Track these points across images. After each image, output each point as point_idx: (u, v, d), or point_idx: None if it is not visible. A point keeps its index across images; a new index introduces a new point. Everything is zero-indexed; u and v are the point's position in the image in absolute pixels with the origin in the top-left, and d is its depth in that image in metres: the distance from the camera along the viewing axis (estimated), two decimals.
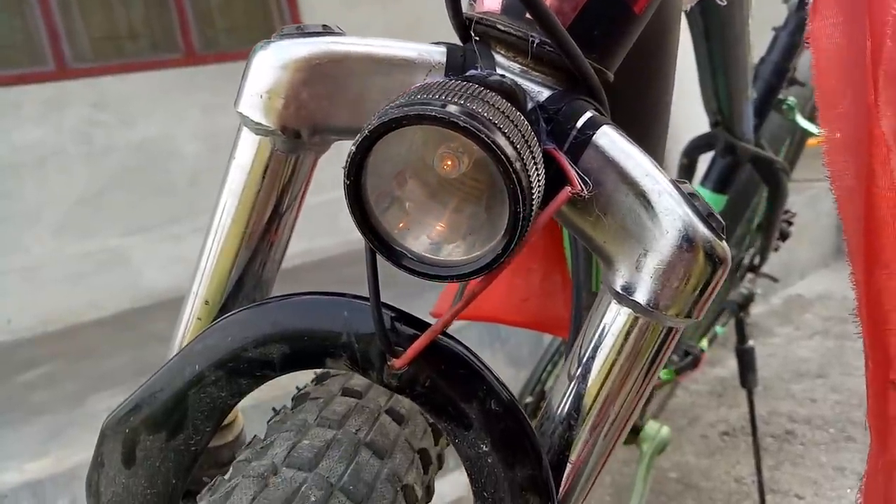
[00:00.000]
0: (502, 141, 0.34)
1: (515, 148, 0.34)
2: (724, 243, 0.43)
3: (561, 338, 1.36)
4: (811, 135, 1.62)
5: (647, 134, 0.60)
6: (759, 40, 1.20)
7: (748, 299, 1.70)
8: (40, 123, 3.20)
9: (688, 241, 0.42)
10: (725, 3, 0.75)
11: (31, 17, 3.23)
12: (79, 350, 2.88)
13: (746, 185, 1.44)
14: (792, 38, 1.42)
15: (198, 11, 3.63)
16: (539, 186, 0.37)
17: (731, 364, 2.50)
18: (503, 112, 0.36)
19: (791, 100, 1.49)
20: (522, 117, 0.38)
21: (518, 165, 0.34)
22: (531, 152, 0.36)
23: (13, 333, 3.15)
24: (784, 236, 1.74)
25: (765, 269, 1.74)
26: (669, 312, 0.43)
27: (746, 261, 1.68)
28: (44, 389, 2.46)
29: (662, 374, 1.39)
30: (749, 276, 1.72)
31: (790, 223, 1.73)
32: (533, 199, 0.35)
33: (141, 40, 3.60)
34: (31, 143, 3.18)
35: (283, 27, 0.48)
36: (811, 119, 1.60)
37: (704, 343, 1.54)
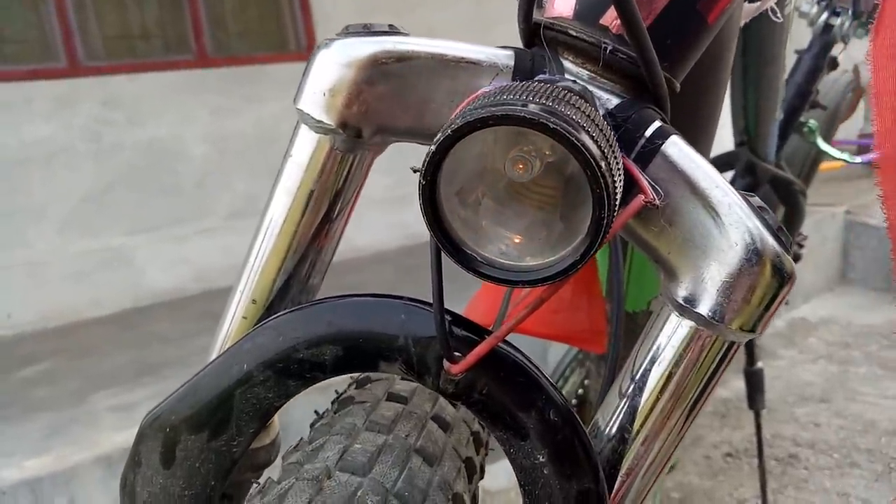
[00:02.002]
0: (589, 143, 0.33)
1: (601, 150, 0.34)
2: (791, 259, 0.43)
3: (583, 350, 1.35)
4: (828, 157, 1.62)
5: (697, 147, 0.60)
6: None
7: None
8: (50, 120, 3.19)
9: (756, 255, 0.41)
10: (781, 19, 0.74)
11: (45, 14, 3.23)
12: (80, 348, 2.86)
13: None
14: (815, 61, 1.42)
15: (211, 14, 3.63)
16: (619, 191, 0.36)
17: (735, 385, 2.49)
18: (587, 114, 0.35)
19: (812, 122, 1.49)
20: (604, 121, 0.38)
21: (604, 167, 0.33)
22: (615, 155, 0.36)
23: (14, 328, 3.13)
24: (796, 259, 1.73)
25: None
26: (733, 326, 0.43)
27: None
28: (44, 386, 2.45)
29: None
30: None
31: (801, 245, 1.73)
32: (616, 204, 0.35)
33: (153, 41, 3.60)
34: (41, 139, 3.17)
35: (348, 25, 0.47)
36: (829, 142, 1.60)
37: None
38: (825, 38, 1.39)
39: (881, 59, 0.48)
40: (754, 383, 1.70)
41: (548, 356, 1.91)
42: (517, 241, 0.39)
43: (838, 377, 2.69)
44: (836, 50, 1.43)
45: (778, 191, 1.37)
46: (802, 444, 2.25)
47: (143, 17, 3.56)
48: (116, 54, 3.46)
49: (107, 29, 3.45)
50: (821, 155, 1.62)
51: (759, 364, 1.70)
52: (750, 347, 1.69)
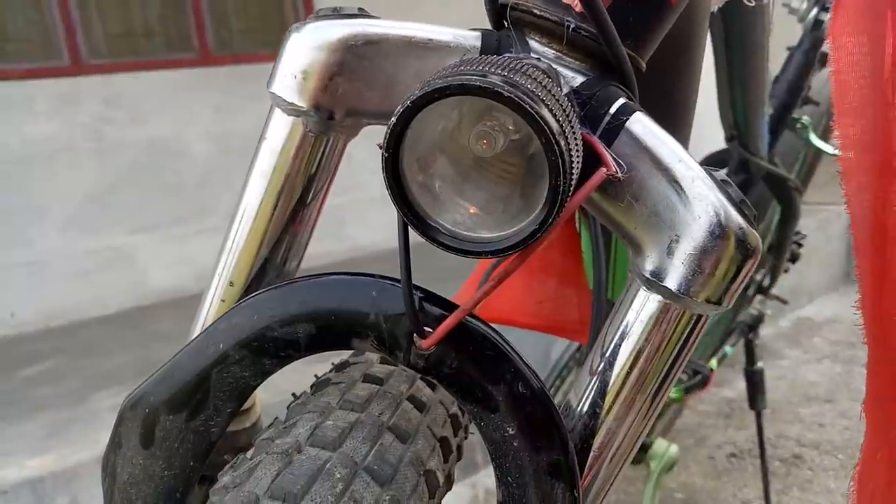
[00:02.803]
0: (545, 112, 0.34)
1: (558, 121, 0.34)
2: (755, 232, 0.43)
3: (574, 342, 1.36)
4: (824, 154, 1.62)
5: (672, 131, 0.60)
6: (773, 60, 1.20)
7: (758, 320, 1.69)
8: (52, 118, 3.20)
9: (720, 227, 0.42)
10: (753, 3, 0.75)
11: (47, 11, 3.24)
12: (82, 347, 2.87)
13: (758, 205, 1.44)
14: (806, 56, 1.42)
15: (214, 13, 3.64)
16: (577, 163, 0.37)
17: (739, 385, 2.48)
18: (545, 87, 0.36)
19: (805, 119, 1.49)
20: (563, 94, 0.38)
21: (561, 139, 0.34)
22: (572, 128, 0.36)
23: (16, 328, 3.14)
24: (794, 258, 1.73)
25: (774, 290, 1.73)
26: (700, 298, 0.43)
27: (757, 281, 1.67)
28: (46, 385, 2.46)
29: (671, 392, 1.37)
30: (759, 297, 1.71)
31: (800, 245, 1.73)
32: (572, 174, 0.35)
33: (156, 39, 3.61)
34: (43, 138, 3.18)
35: (319, 9, 0.48)
36: (825, 138, 1.60)
37: (714, 363, 1.53)
38: (815, 34, 1.39)
39: (841, 36, 0.48)
40: (755, 383, 1.70)
41: (551, 354, 1.92)
42: (473, 212, 0.40)
43: (843, 377, 2.68)
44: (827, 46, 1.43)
45: (772, 187, 1.37)
46: (807, 444, 2.25)
47: (145, 15, 3.57)
48: (119, 52, 3.47)
49: (109, 27, 3.46)
50: (819, 152, 1.62)
51: (760, 364, 1.70)
52: (750, 347, 1.68)
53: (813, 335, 3.13)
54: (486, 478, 2.04)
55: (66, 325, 3.19)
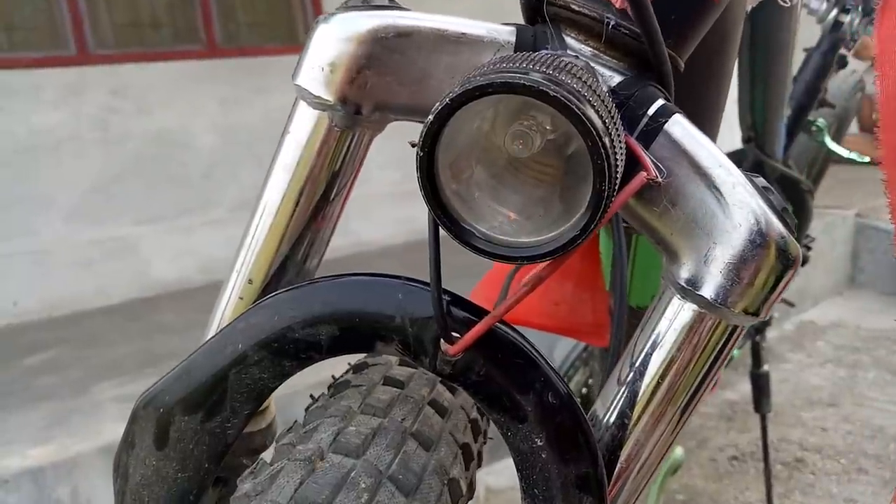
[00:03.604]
0: (591, 113, 0.32)
1: (603, 121, 0.33)
2: (796, 241, 0.42)
3: (585, 343, 1.35)
4: (836, 157, 1.61)
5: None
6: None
7: (765, 323, 1.68)
8: (59, 107, 3.19)
9: (761, 236, 0.40)
10: (789, 4, 0.73)
11: (55, 1, 3.23)
12: (84, 337, 2.87)
13: None
14: (825, 58, 1.41)
15: (221, 5, 3.63)
16: (621, 166, 0.35)
17: (742, 388, 2.48)
18: (590, 85, 0.34)
19: (821, 121, 1.47)
20: (607, 92, 0.37)
21: (606, 138, 0.32)
22: (617, 129, 0.35)
23: (19, 316, 3.13)
24: (803, 261, 1.72)
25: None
26: (737, 309, 0.42)
27: None
28: (48, 375, 2.45)
29: None
30: None
31: (809, 248, 1.72)
32: (617, 178, 0.34)
33: (163, 30, 3.60)
34: (49, 127, 3.17)
35: (347, 0, 0.46)
36: (838, 141, 1.59)
37: None
38: (834, 36, 1.37)
39: (886, 41, 0.47)
40: (760, 386, 1.69)
41: (554, 353, 1.91)
42: (513, 217, 0.38)
43: (846, 381, 2.67)
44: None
45: (785, 190, 1.36)
46: (809, 448, 2.24)
47: (153, 6, 3.56)
48: (126, 43, 3.46)
49: (117, 17, 3.44)
50: (830, 155, 1.61)
51: (766, 367, 1.69)
52: (756, 350, 1.67)
53: (816, 339, 3.11)
54: (487, 475, 2.03)
55: (70, 315, 3.19)
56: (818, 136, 1.49)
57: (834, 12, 1.36)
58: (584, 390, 1.45)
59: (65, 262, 3.24)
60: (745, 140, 1.25)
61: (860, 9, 1.35)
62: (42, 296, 3.18)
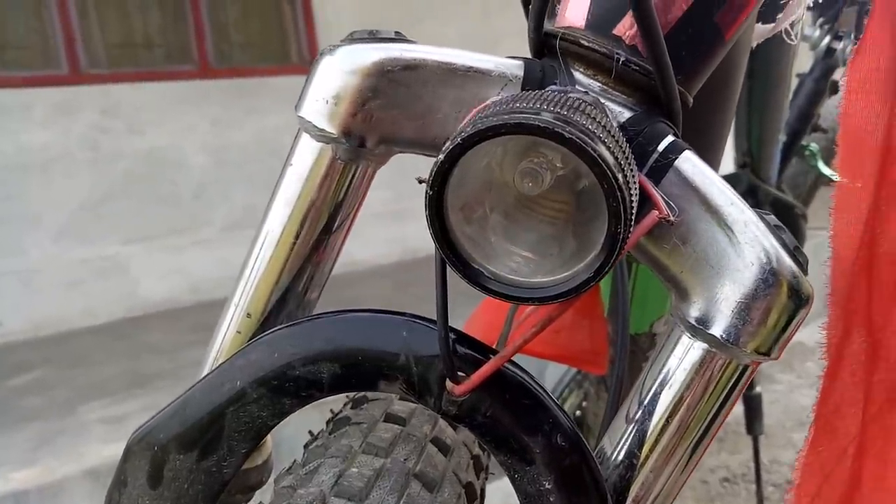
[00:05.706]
0: (606, 153, 0.32)
1: (618, 161, 0.32)
2: (808, 281, 0.41)
3: (582, 372, 1.33)
4: (828, 181, 1.61)
5: None
6: None
7: None
8: (49, 127, 3.18)
9: (773, 275, 0.40)
10: (795, 42, 0.73)
11: (48, 20, 3.22)
12: (71, 357, 2.84)
13: None
14: (817, 84, 1.42)
15: (214, 25, 3.64)
16: (635, 206, 0.35)
17: (733, 409, 2.47)
18: (602, 125, 0.34)
19: (813, 146, 1.48)
20: (620, 132, 0.36)
21: (621, 179, 0.32)
22: (631, 169, 0.34)
23: (5, 336, 3.10)
24: None
25: None
26: (748, 348, 0.41)
27: None
28: (34, 395, 2.42)
29: None
30: None
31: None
32: (632, 218, 0.33)
33: (156, 50, 3.60)
34: (39, 146, 3.16)
35: (353, 31, 0.46)
36: (828, 165, 1.59)
37: None
38: (827, 62, 1.39)
39: (854, 82, 0.47)
40: (752, 408, 1.69)
41: (545, 375, 1.90)
42: (527, 257, 0.37)
43: None
44: (838, 74, 1.43)
45: (779, 214, 1.36)
46: None
47: (146, 26, 3.56)
48: (118, 62, 3.46)
49: (110, 37, 3.44)
50: (821, 178, 1.61)
51: (758, 389, 1.69)
52: None
53: (805, 360, 3.11)
54: None
55: (56, 335, 3.16)
56: (811, 161, 1.50)
57: (827, 39, 1.37)
58: (577, 413, 1.44)
59: (53, 281, 3.21)
60: (741, 165, 1.25)
61: (853, 36, 1.37)
62: (29, 315, 3.15)
